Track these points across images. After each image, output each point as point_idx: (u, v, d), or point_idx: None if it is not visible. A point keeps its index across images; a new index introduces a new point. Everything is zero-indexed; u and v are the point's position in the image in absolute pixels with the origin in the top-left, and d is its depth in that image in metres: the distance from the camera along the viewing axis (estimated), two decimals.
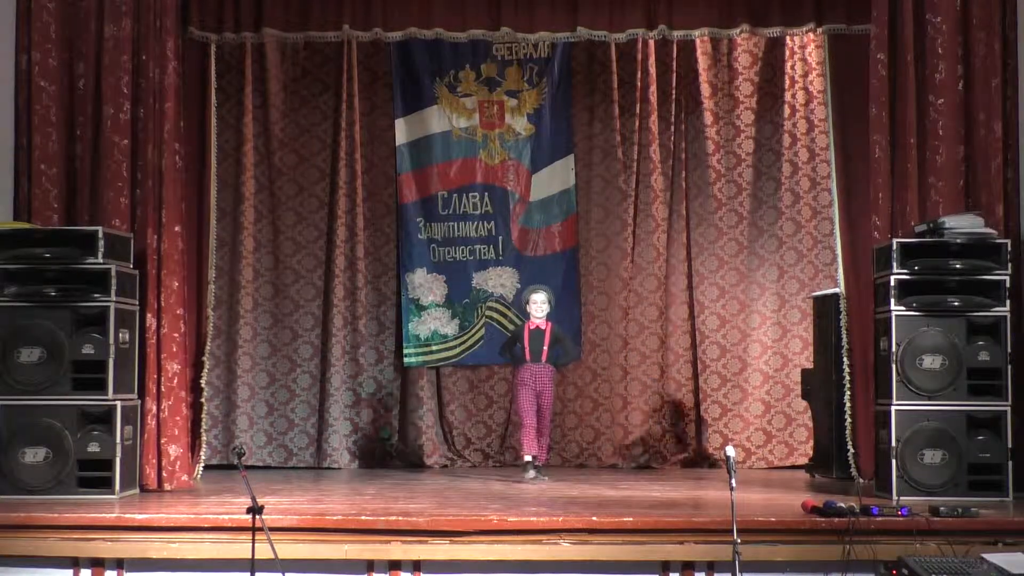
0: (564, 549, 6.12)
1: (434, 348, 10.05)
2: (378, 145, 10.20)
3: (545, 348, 8.76)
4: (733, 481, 5.25)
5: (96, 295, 7.34)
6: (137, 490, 7.61)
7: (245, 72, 9.96)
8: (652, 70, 10.03)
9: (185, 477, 7.95)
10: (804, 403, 9.43)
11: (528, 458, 8.65)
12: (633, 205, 10.10)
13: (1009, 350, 7.25)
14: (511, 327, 9.91)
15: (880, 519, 6.13)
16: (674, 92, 10.10)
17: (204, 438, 8.48)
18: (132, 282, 7.67)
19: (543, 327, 8.80)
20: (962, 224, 7.32)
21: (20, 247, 7.36)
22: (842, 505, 6.19)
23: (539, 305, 8.83)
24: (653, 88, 10.04)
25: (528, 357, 8.77)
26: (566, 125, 10.18)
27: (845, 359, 8.00)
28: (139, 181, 7.87)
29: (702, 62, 10.10)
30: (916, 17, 7.73)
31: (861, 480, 7.74)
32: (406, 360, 10.03)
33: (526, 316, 8.98)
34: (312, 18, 8.44)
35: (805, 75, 10.01)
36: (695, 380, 10.06)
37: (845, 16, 8.21)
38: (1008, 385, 7.23)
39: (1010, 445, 7.19)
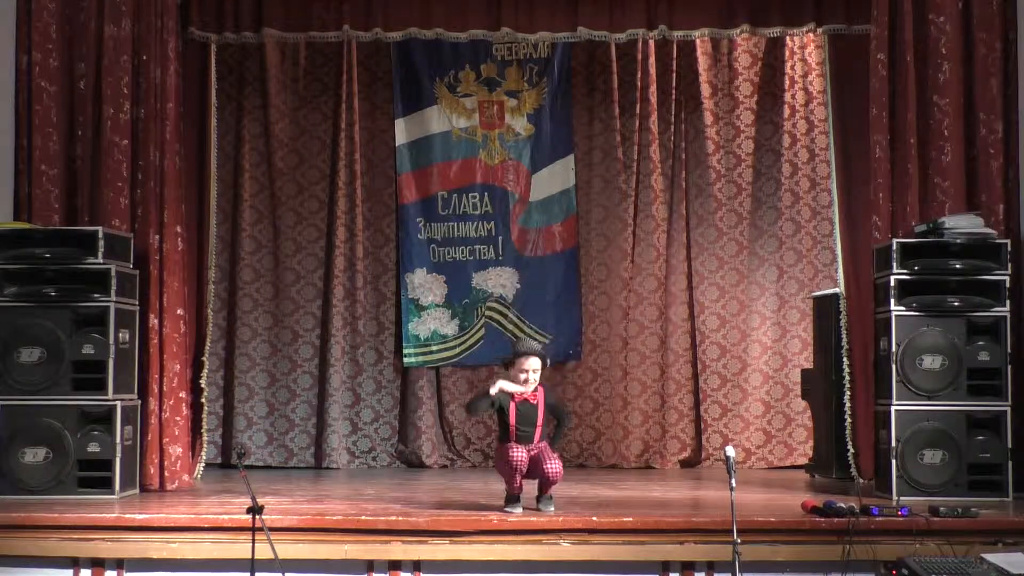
0: (564, 549, 6.12)
1: (434, 348, 10.05)
2: (378, 145, 10.20)
3: (539, 427, 6.61)
4: (733, 481, 5.25)
5: (96, 295, 7.34)
6: (137, 490, 7.61)
7: (245, 72, 9.98)
8: (652, 70, 10.03)
9: (186, 477, 7.96)
10: (804, 403, 9.42)
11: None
12: (633, 205, 10.10)
13: (1009, 350, 7.25)
14: (510, 327, 9.92)
15: (880, 519, 6.13)
16: (674, 92, 10.10)
17: (205, 438, 8.50)
18: (132, 282, 7.67)
19: (533, 400, 6.61)
20: (962, 224, 7.32)
21: (20, 247, 7.36)
22: (842, 505, 6.20)
23: (532, 374, 6.58)
24: (653, 88, 10.04)
25: (513, 437, 6.57)
26: (566, 125, 10.18)
27: (845, 359, 7.99)
28: (140, 182, 7.87)
29: (702, 62, 10.10)
30: (916, 17, 7.72)
31: (861, 480, 7.73)
32: (406, 360, 10.03)
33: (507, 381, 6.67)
34: (312, 18, 8.44)
35: (805, 75, 10.01)
36: (695, 380, 10.05)
37: (845, 16, 8.20)
38: (1008, 385, 7.23)
39: (1010, 445, 7.19)
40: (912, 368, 7.20)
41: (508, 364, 6.68)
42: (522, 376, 6.57)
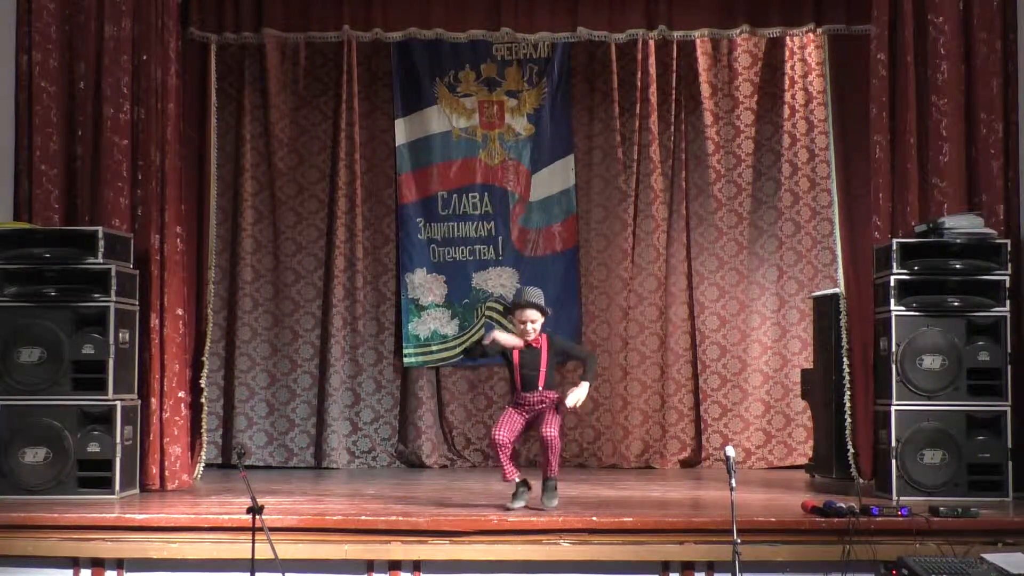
0: (564, 549, 6.12)
1: (434, 348, 10.05)
2: (378, 145, 10.20)
3: (543, 371, 6.77)
4: (733, 481, 5.25)
5: (96, 295, 7.34)
6: (137, 490, 7.61)
7: (245, 72, 9.98)
8: (652, 70, 10.04)
9: (186, 477, 7.95)
10: (804, 403, 9.43)
11: (516, 479, 6.76)
12: (633, 205, 10.10)
13: (1009, 350, 7.25)
14: (510, 327, 9.89)
15: (880, 519, 6.13)
16: (674, 92, 10.10)
17: (205, 438, 8.50)
18: (132, 282, 7.67)
19: (536, 345, 6.77)
20: (962, 224, 7.32)
21: (20, 247, 7.36)
22: (842, 505, 6.20)
23: (531, 324, 6.73)
24: (653, 88, 10.04)
25: (519, 386, 6.75)
26: (566, 125, 10.18)
27: (845, 359, 7.99)
28: (140, 182, 7.87)
29: (702, 62, 10.10)
30: (917, 17, 7.73)
31: (861, 480, 7.73)
32: (406, 360, 10.03)
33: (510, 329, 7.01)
34: (312, 18, 8.44)
35: (805, 75, 10.01)
36: (695, 380, 10.05)
37: (845, 16, 8.21)
38: (1008, 385, 7.23)
39: (1010, 445, 7.19)
40: (912, 368, 7.20)
41: (509, 313, 7.02)
42: (521, 326, 6.77)
